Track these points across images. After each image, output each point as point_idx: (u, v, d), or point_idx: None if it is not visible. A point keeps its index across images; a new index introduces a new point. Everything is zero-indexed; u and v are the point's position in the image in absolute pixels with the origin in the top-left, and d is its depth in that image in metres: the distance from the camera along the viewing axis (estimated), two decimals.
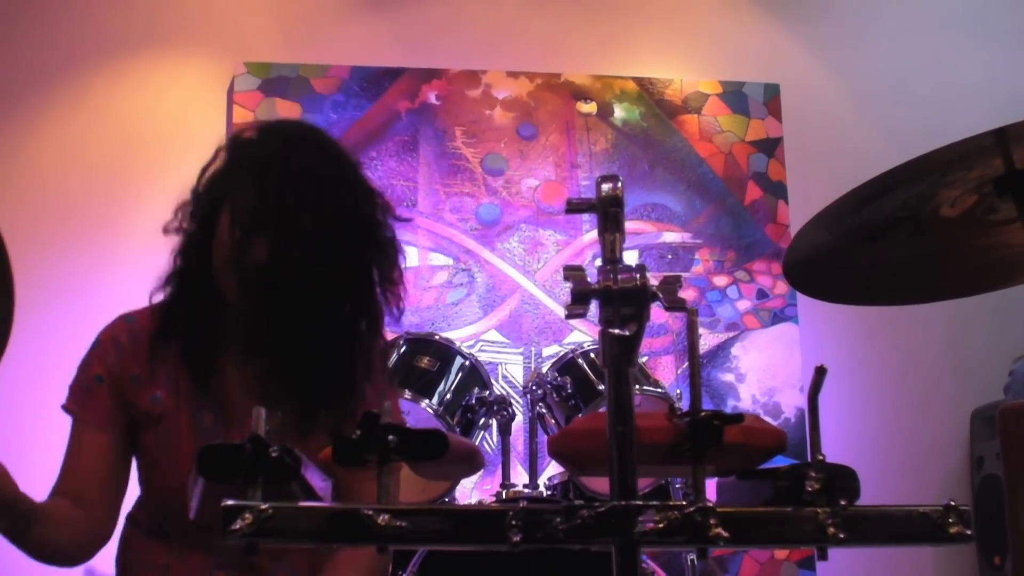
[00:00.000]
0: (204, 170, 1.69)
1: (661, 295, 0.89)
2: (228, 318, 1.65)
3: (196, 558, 1.63)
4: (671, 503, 0.87)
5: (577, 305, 0.88)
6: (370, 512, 0.86)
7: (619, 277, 0.89)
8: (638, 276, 0.89)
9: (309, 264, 1.54)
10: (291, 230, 1.54)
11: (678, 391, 3.01)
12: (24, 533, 1.47)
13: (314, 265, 1.54)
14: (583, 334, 3.79)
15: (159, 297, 1.70)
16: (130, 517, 1.73)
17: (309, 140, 1.66)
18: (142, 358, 1.66)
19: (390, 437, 0.88)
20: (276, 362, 1.60)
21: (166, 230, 1.68)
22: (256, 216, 1.56)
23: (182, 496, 1.60)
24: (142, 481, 1.69)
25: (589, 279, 0.90)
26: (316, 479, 0.94)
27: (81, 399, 1.66)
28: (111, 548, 1.71)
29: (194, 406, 1.65)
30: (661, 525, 0.86)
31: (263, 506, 0.85)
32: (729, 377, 3.91)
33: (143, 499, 1.72)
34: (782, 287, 3.99)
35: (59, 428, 1.70)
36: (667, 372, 3.83)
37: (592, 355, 2.79)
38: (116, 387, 1.66)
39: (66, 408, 1.68)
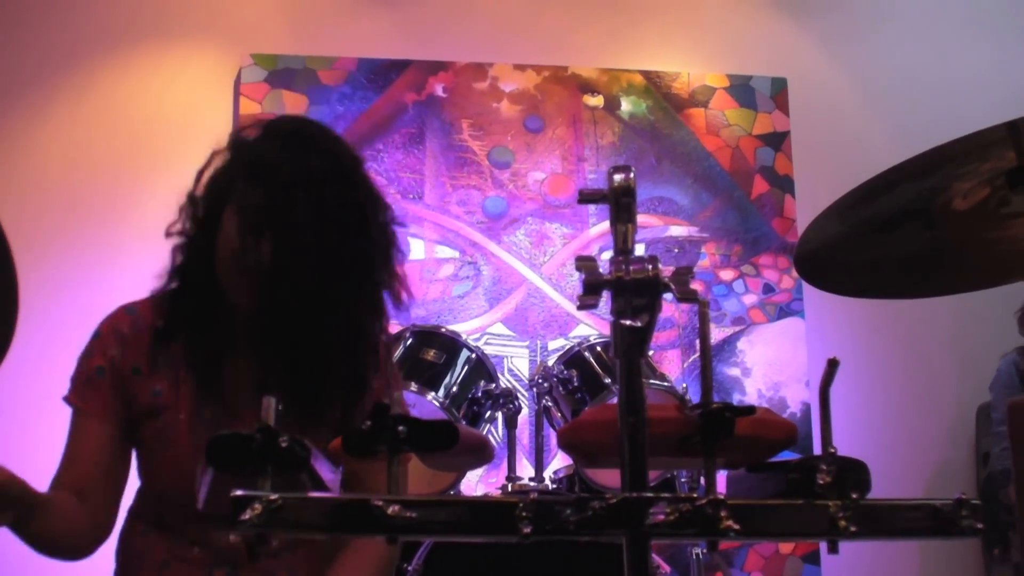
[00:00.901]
0: (203, 171, 1.67)
1: (673, 286, 0.89)
2: (230, 316, 1.65)
3: (195, 556, 1.62)
4: (683, 495, 0.87)
5: (589, 296, 0.88)
6: (380, 503, 0.86)
7: (631, 268, 0.89)
8: (650, 267, 0.88)
9: (314, 266, 1.54)
10: (296, 233, 1.53)
11: (684, 385, 3.01)
12: (28, 525, 1.47)
13: (318, 266, 1.54)
14: (589, 328, 3.79)
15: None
16: (131, 510, 1.72)
17: (312, 140, 1.64)
18: (144, 350, 1.65)
19: (400, 428, 0.88)
20: (281, 359, 1.60)
21: (169, 232, 1.67)
22: (261, 219, 1.55)
23: (180, 491, 1.57)
24: (142, 474, 1.68)
25: (601, 270, 0.89)
26: (325, 470, 0.94)
27: (82, 391, 1.65)
28: (111, 543, 1.71)
29: (195, 400, 1.64)
30: (672, 517, 0.86)
31: (272, 496, 0.85)
32: (735, 371, 3.90)
33: (143, 490, 1.71)
34: (788, 281, 3.98)
35: (63, 422, 1.69)
36: (673, 366, 3.83)
37: (598, 348, 2.79)
38: (117, 379, 1.64)
39: (67, 400, 1.67)
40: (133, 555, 1.67)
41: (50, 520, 1.51)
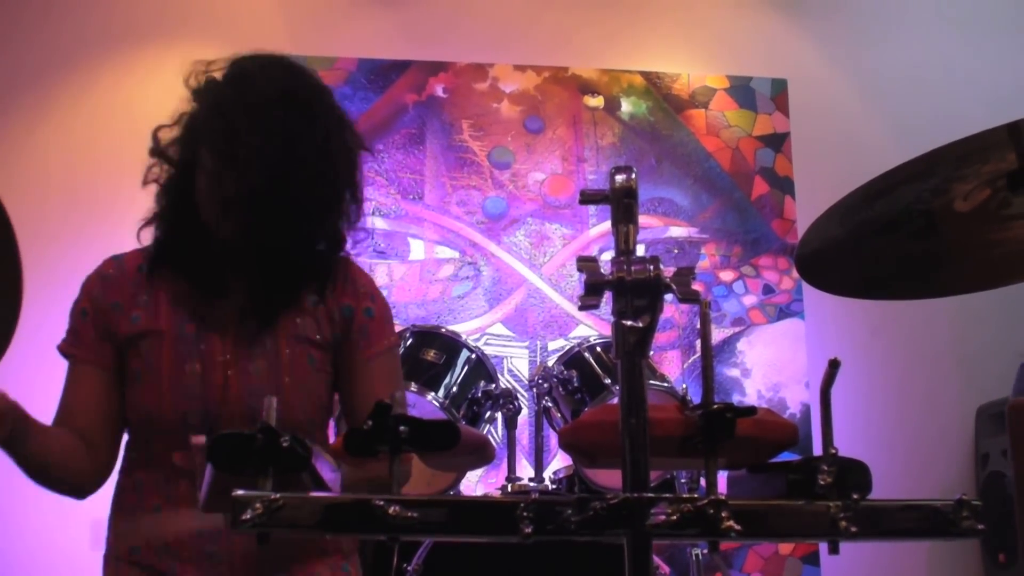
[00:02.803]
0: (160, 127, 1.80)
1: (675, 286, 0.89)
2: (213, 243, 1.71)
3: (182, 492, 1.63)
4: (684, 496, 0.87)
5: (591, 296, 0.88)
6: (381, 503, 0.86)
7: (632, 268, 0.89)
8: (652, 267, 0.89)
9: (280, 189, 1.60)
10: (261, 159, 1.59)
11: (684, 385, 3.01)
12: (23, 445, 1.51)
13: (284, 189, 1.61)
14: (589, 328, 3.78)
15: (146, 235, 1.78)
16: (121, 469, 1.73)
17: (272, 71, 1.71)
18: (126, 288, 1.72)
19: (401, 427, 0.88)
20: (260, 277, 1.69)
21: (147, 180, 1.81)
22: (229, 149, 1.62)
23: (167, 413, 1.61)
24: (130, 411, 1.69)
25: (602, 270, 0.89)
26: (326, 470, 0.94)
27: (71, 338, 1.71)
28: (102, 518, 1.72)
29: (174, 321, 1.69)
30: (674, 518, 0.86)
31: (273, 496, 0.85)
32: (735, 372, 3.90)
33: (130, 431, 1.72)
34: (788, 282, 3.98)
35: None
36: (673, 367, 3.83)
37: (598, 349, 2.79)
38: (99, 316, 1.70)
39: (60, 349, 1.72)
40: (126, 508, 1.68)
41: (47, 445, 1.55)
